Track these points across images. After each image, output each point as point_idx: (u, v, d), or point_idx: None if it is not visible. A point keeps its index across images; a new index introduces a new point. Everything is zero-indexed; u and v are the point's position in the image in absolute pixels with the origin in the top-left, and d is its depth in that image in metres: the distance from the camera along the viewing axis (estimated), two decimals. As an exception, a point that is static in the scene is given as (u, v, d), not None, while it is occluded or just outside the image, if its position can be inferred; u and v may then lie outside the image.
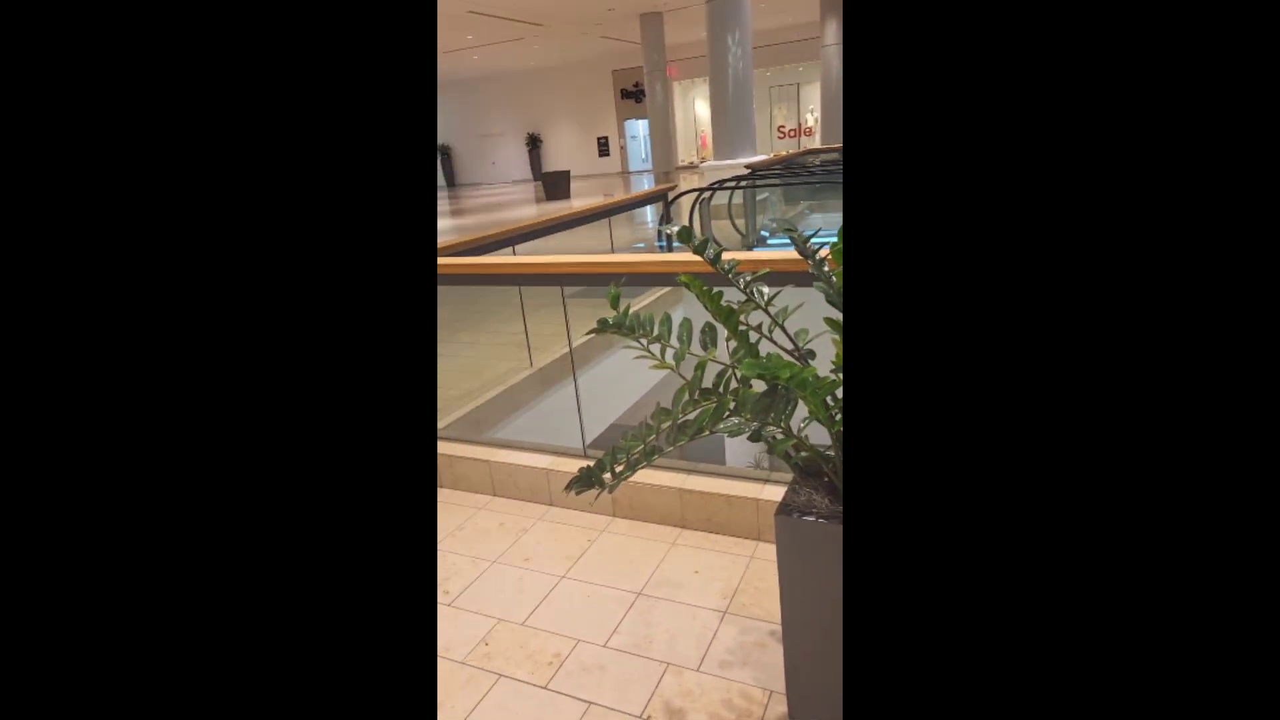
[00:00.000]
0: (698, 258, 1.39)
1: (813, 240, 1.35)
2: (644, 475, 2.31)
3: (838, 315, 1.35)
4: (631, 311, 1.41)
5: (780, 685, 1.55)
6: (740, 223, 6.75)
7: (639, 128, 22.83)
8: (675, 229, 1.27)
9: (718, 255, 1.33)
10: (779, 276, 1.58)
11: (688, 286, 1.38)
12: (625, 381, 4.34)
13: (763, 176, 7.08)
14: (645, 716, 1.54)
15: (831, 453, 1.36)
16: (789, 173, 7.62)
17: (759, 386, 1.28)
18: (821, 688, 1.43)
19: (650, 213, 10.35)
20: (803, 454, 1.33)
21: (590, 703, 1.59)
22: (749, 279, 1.37)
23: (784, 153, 10.87)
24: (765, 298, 1.38)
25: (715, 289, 1.40)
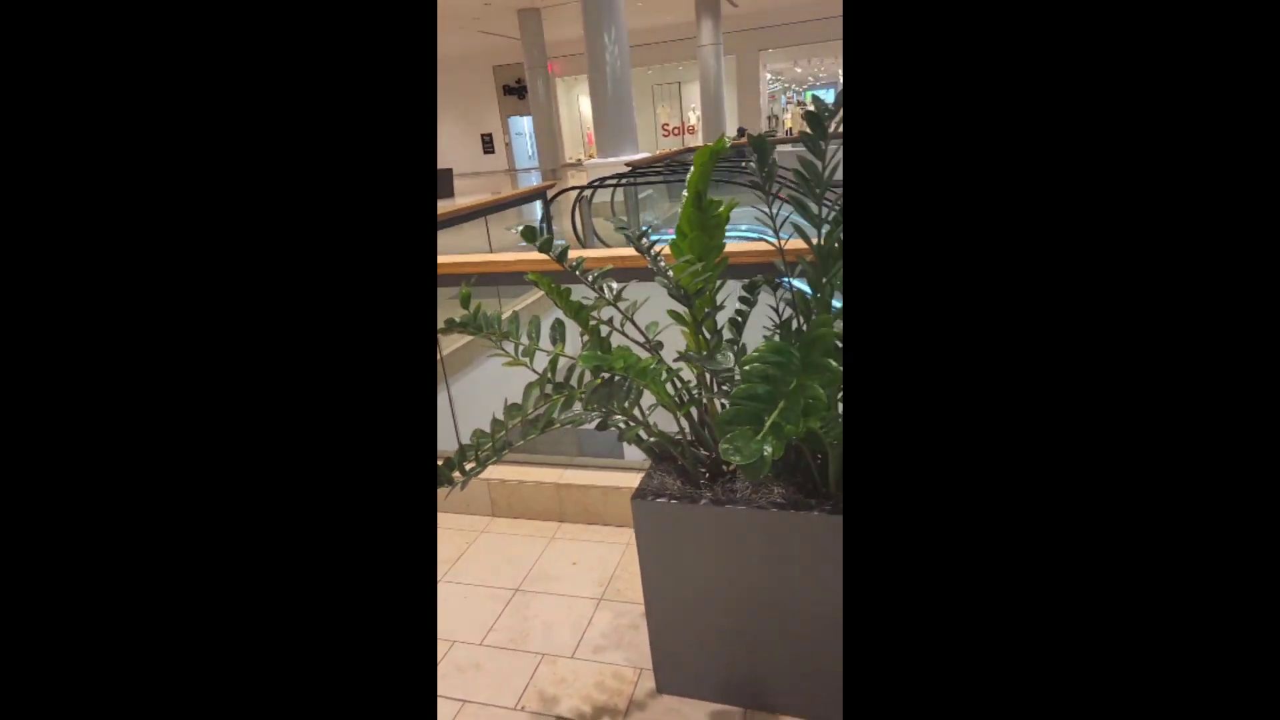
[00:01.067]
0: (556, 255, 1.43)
1: (649, 237, 1.42)
2: (521, 473, 2.33)
3: (681, 308, 1.43)
4: (514, 311, 1.44)
5: (650, 662, 1.62)
6: (624, 219, 6.86)
7: (524, 124, 22.53)
8: (520, 228, 1.31)
9: (563, 253, 1.38)
10: (625, 272, 1.65)
11: (536, 284, 1.42)
12: (510, 382, 4.31)
13: (642, 174, 7.20)
14: (519, 707, 1.57)
15: (679, 437, 1.44)
16: (669, 170, 7.79)
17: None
18: (683, 659, 1.51)
19: (539, 210, 10.24)
20: (652, 439, 1.41)
21: (464, 700, 1.60)
22: (595, 276, 1.42)
23: (667, 150, 11.10)
24: (614, 293, 1.44)
25: (565, 286, 1.45)
